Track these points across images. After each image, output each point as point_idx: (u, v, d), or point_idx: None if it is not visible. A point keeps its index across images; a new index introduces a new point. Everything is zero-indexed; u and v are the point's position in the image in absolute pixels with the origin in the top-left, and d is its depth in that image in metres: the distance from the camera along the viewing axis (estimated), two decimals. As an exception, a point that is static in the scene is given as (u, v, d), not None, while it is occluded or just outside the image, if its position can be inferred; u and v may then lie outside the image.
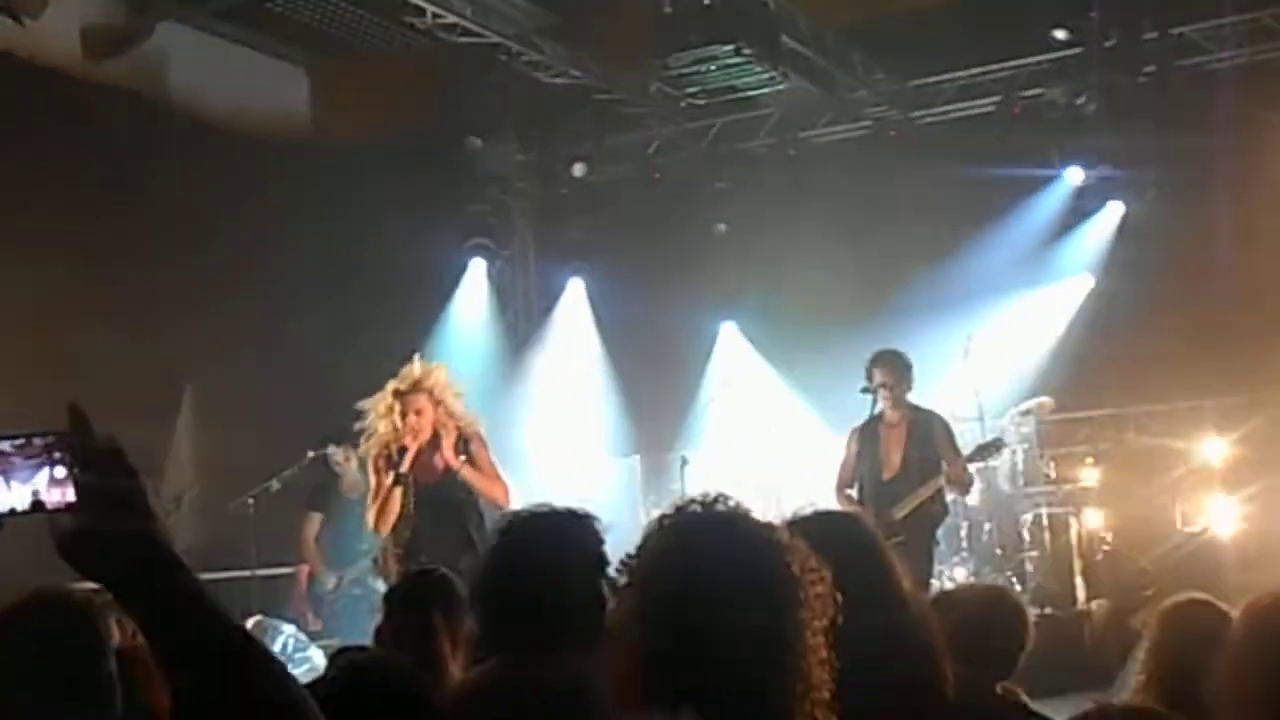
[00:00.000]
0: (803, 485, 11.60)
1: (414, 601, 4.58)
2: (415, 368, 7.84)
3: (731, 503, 2.53)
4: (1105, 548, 12.04)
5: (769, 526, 2.54)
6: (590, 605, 3.40)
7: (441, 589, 4.61)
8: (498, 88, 13.48)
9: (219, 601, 1.79)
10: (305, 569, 11.64)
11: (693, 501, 2.54)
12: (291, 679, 1.81)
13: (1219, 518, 11.77)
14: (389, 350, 11.56)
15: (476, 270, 14.18)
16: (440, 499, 7.70)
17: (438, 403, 7.68)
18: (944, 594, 4.13)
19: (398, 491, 7.63)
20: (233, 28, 13.69)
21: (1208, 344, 11.66)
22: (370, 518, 7.83)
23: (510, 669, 3.42)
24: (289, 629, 9.97)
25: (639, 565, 2.50)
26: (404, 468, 7.60)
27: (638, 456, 13.77)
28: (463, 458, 7.70)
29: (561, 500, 3.78)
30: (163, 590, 1.75)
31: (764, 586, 2.39)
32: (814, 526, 3.07)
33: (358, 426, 8.21)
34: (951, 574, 11.32)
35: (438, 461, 7.72)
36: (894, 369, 9.49)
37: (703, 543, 2.44)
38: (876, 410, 9.52)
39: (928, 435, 9.52)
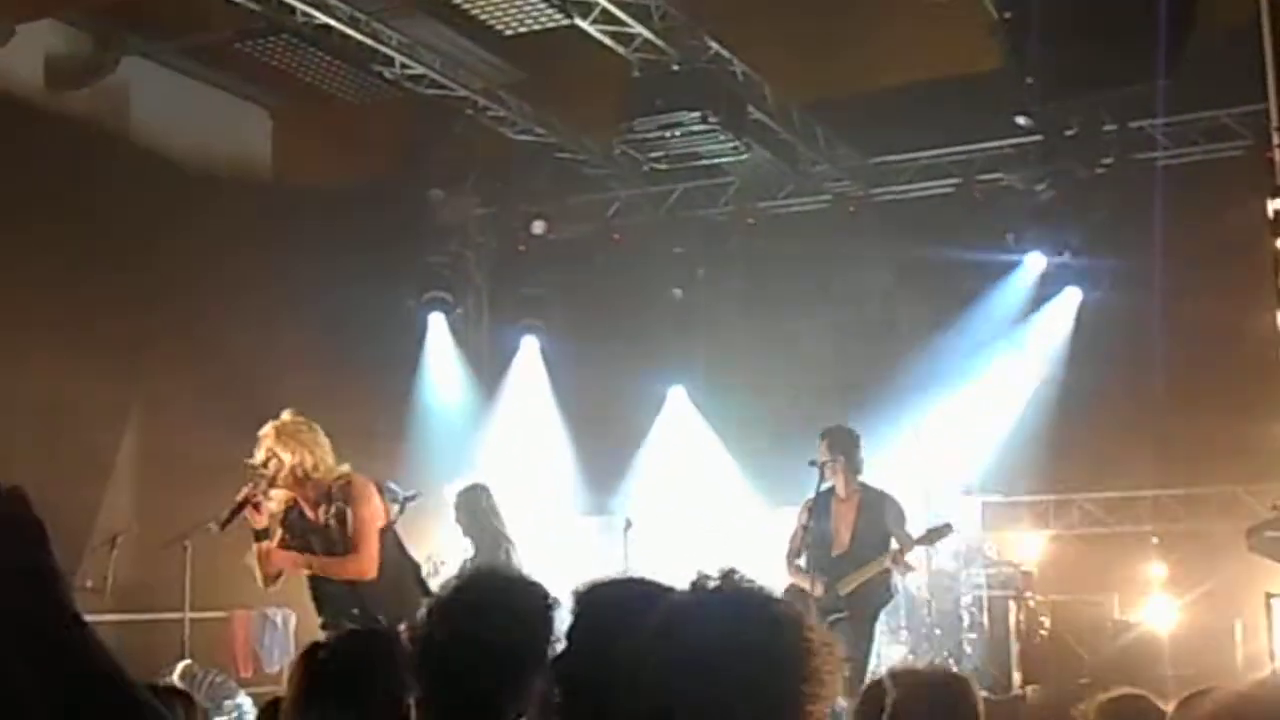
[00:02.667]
0: (743, 555, 11.57)
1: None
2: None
3: (739, 577, 2.56)
4: (1043, 632, 12.04)
5: (783, 602, 2.58)
6: (526, 680, 3.34)
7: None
8: (461, 141, 13.51)
9: (115, 660, 1.76)
10: (241, 614, 11.53)
11: (707, 578, 2.55)
12: None
13: (1157, 609, 11.82)
14: (343, 396, 11.51)
15: (437, 325, 14.19)
16: (323, 544, 7.54)
17: (287, 453, 7.41)
18: (904, 674, 4.08)
19: (262, 547, 7.45)
20: (198, 66, 13.64)
21: (1153, 436, 11.76)
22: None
23: None
24: (219, 676, 9.84)
25: (649, 639, 2.49)
26: (243, 522, 7.39)
27: (591, 518, 13.69)
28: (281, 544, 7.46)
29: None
30: (54, 646, 1.71)
31: (778, 662, 2.43)
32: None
33: None
34: (889, 653, 11.28)
35: (313, 515, 7.51)
36: (842, 446, 9.53)
37: (715, 621, 2.48)
38: (826, 485, 9.52)
39: (879, 514, 9.56)
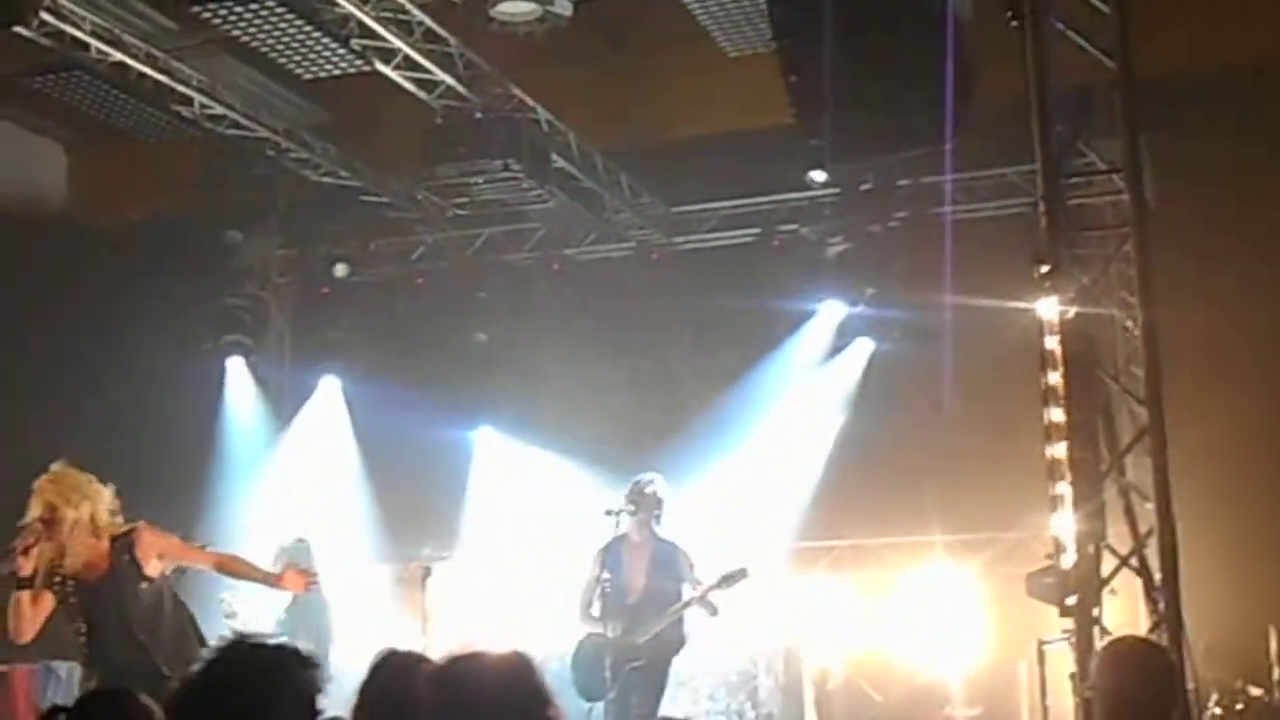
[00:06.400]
0: (549, 600, 11.63)
1: None
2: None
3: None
4: (838, 678, 12.25)
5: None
6: None
7: None
8: (263, 181, 13.33)
9: None
10: (21, 669, 11.17)
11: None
12: None
13: (947, 652, 12.10)
14: (139, 443, 11.24)
15: (236, 369, 13.90)
16: (100, 600, 7.40)
17: (69, 507, 7.14)
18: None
19: (23, 597, 7.26)
20: (-10, 100, 13.30)
21: (942, 483, 12.07)
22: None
23: None
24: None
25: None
26: (21, 572, 7.21)
27: (389, 565, 13.53)
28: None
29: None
30: None
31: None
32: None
33: None
34: (683, 698, 11.37)
35: (98, 562, 7.37)
36: (648, 494, 9.63)
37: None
38: (620, 532, 9.59)
39: (671, 562, 9.65)
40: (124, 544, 7.26)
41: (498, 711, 3.43)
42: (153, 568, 7.35)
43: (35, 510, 7.11)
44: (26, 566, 7.05)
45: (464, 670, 3.53)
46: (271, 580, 8.02)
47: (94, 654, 7.27)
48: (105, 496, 7.27)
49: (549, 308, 13.89)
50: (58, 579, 7.20)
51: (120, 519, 7.33)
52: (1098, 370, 7.95)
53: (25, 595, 7.10)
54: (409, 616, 11.07)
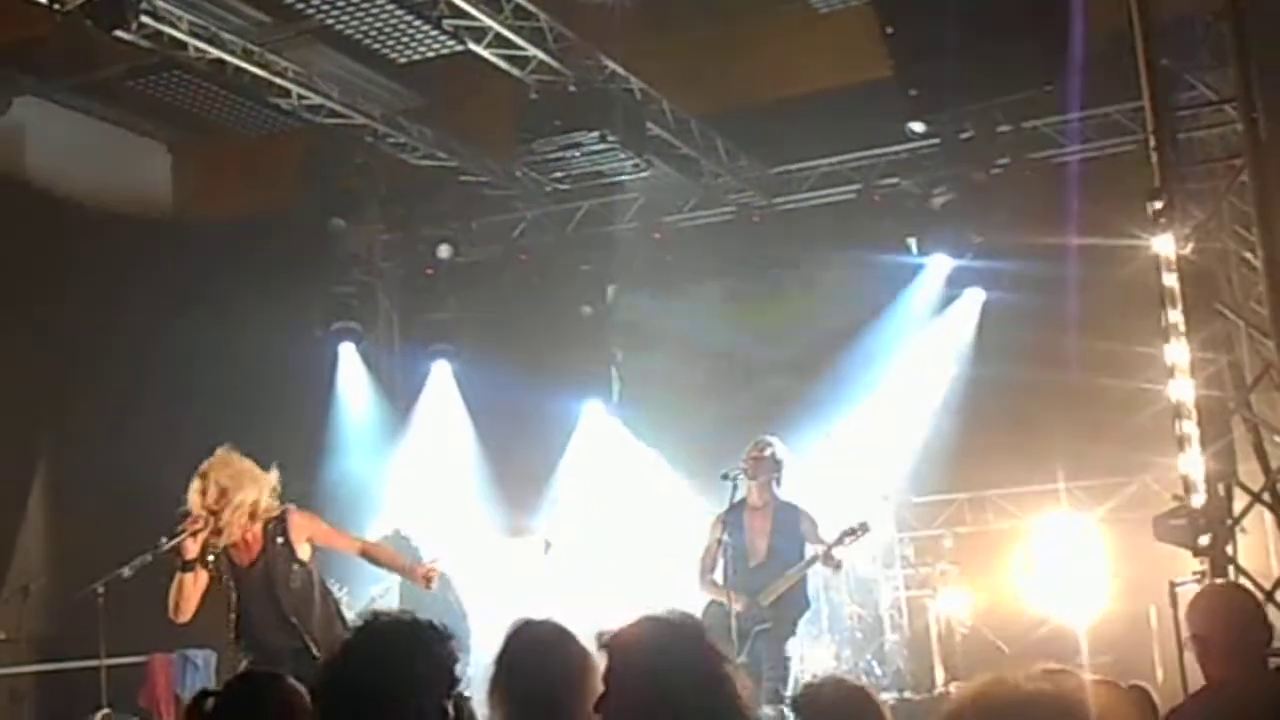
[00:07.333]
0: (665, 569, 11.63)
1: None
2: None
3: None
4: (963, 630, 12.17)
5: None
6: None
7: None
8: (363, 168, 13.47)
9: None
10: (160, 658, 11.42)
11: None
12: None
13: (1074, 600, 11.97)
14: (250, 433, 11.37)
15: (348, 354, 14.08)
16: (251, 581, 7.51)
17: (223, 490, 7.23)
18: (806, 694, 4.11)
19: (186, 578, 7.35)
20: (93, 104, 13.51)
21: (1061, 430, 11.91)
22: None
23: None
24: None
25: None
26: (187, 555, 7.30)
27: (510, 540, 13.64)
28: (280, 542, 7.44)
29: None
30: None
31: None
32: None
33: None
34: (814, 656, 11.37)
35: (250, 544, 7.45)
36: (768, 458, 9.59)
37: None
38: (738, 497, 9.56)
39: (793, 523, 9.59)
40: (276, 527, 7.36)
41: (682, 672, 3.43)
42: (304, 550, 7.45)
43: (210, 493, 7.18)
44: (192, 550, 7.17)
45: (640, 636, 3.53)
46: (409, 572, 8.08)
47: (244, 635, 7.39)
48: (270, 483, 7.37)
49: (653, 277, 13.90)
50: (211, 558, 7.32)
51: (277, 503, 7.45)
52: (1218, 305, 7.79)
53: (189, 576, 7.23)
54: (533, 588, 11.21)
